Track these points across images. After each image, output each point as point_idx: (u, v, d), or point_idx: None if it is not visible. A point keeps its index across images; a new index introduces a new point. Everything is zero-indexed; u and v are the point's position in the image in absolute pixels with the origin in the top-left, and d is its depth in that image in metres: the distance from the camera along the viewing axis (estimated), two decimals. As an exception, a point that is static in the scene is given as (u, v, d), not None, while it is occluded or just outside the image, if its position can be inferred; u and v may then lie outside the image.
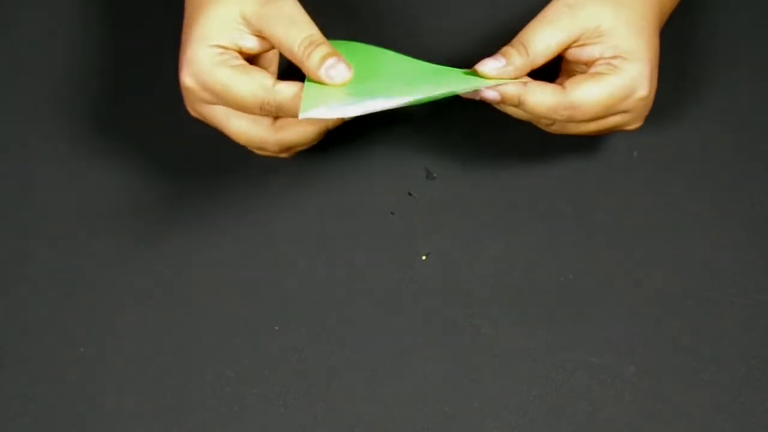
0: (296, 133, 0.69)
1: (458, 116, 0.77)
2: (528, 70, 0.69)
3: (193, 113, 0.70)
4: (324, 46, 0.66)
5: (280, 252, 0.74)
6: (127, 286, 0.73)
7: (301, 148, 0.71)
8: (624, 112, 0.69)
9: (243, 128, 0.69)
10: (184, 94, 0.69)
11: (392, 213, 0.75)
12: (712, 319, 0.72)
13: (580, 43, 0.69)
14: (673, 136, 0.77)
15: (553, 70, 0.73)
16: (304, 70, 0.67)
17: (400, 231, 0.75)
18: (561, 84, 0.69)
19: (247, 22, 0.67)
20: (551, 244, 0.74)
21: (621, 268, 0.74)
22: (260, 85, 0.66)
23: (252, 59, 0.69)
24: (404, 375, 0.71)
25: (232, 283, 0.73)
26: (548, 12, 0.69)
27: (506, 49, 0.69)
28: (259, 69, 0.67)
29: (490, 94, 0.69)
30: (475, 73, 0.69)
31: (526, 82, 0.69)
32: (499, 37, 0.71)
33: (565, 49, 0.69)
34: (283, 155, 0.72)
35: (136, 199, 0.75)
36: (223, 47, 0.67)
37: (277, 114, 0.67)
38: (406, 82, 0.69)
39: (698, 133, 0.78)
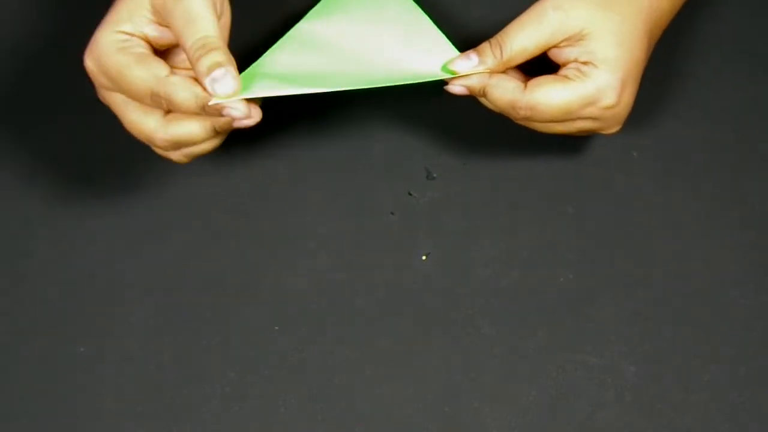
0: (183, 128, 0.66)
1: (458, 116, 0.77)
2: (501, 69, 0.69)
3: (100, 98, 0.69)
4: (216, 53, 0.64)
5: (280, 252, 0.74)
6: (127, 285, 0.73)
7: (195, 150, 0.68)
8: (590, 118, 0.69)
9: (134, 118, 0.67)
10: (93, 81, 0.67)
11: (392, 213, 0.75)
12: (712, 319, 0.72)
13: (562, 45, 0.69)
14: (673, 136, 0.77)
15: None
16: (194, 74, 0.65)
17: (400, 231, 0.75)
18: (526, 81, 0.69)
19: (155, 11, 0.66)
20: (551, 244, 0.74)
21: (621, 268, 0.74)
22: (153, 74, 0.65)
23: (165, 51, 0.68)
24: (404, 375, 0.71)
25: (232, 283, 0.73)
26: (532, 13, 0.69)
27: (482, 46, 0.69)
28: (158, 59, 0.65)
29: (456, 89, 0.70)
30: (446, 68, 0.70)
31: (490, 75, 0.69)
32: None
33: (545, 51, 0.69)
34: (175, 156, 0.69)
35: (136, 199, 0.75)
36: (129, 33, 0.66)
37: (168, 107, 0.65)
38: (340, 73, 0.70)
39: (698, 133, 0.78)
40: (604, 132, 0.71)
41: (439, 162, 0.77)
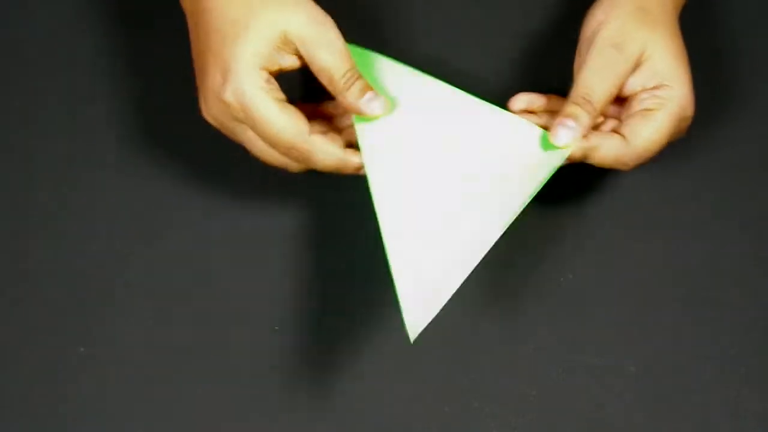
0: (322, 150, 0.69)
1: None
2: (594, 123, 0.69)
3: (210, 120, 0.69)
4: (362, 80, 0.68)
5: (281, 252, 0.74)
6: (127, 286, 0.73)
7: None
8: (677, 132, 0.70)
9: (265, 148, 0.69)
10: (217, 105, 0.68)
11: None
12: (713, 319, 0.72)
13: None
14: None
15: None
16: (340, 98, 0.68)
17: (400, 231, 0.75)
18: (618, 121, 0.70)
19: (288, 42, 0.67)
20: (551, 244, 0.74)
21: (621, 268, 0.74)
22: (298, 129, 0.67)
23: None
24: (404, 375, 0.71)
25: (232, 282, 0.73)
26: (596, 58, 0.69)
27: (571, 109, 0.69)
28: (299, 111, 0.68)
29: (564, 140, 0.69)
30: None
31: (587, 137, 0.69)
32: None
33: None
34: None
35: (136, 198, 0.75)
36: (269, 71, 0.67)
37: (300, 160, 0.68)
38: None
39: (698, 133, 0.77)
40: (681, 135, 0.72)
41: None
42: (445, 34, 0.80)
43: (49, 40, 0.80)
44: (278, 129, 0.67)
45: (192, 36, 0.70)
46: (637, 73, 0.69)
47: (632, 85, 0.69)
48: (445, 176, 0.70)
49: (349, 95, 0.68)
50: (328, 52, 0.68)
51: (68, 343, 0.72)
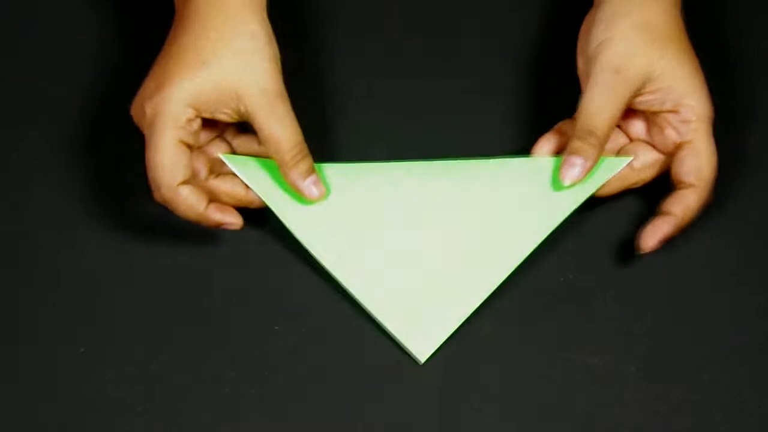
0: (185, 200, 0.70)
1: (459, 116, 0.77)
2: (602, 151, 0.70)
3: (131, 112, 0.71)
4: (309, 160, 0.70)
5: (281, 252, 0.74)
6: (126, 286, 0.73)
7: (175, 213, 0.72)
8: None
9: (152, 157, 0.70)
10: (138, 106, 0.69)
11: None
12: (712, 319, 0.72)
13: (636, 97, 0.70)
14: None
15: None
16: (285, 173, 0.70)
17: (400, 231, 0.75)
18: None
19: (239, 100, 0.68)
20: (551, 244, 0.74)
21: (621, 268, 0.74)
22: (171, 174, 0.68)
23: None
24: (404, 375, 0.71)
25: (232, 282, 0.73)
26: (597, 84, 0.69)
27: (576, 145, 0.69)
28: (189, 158, 0.69)
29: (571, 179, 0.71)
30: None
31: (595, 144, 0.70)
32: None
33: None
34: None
35: (137, 198, 0.75)
36: (199, 114, 0.69)
37: (164, 203, 0.70)
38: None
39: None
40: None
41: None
42: (444, 45, 0.80)
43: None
44: (155, 163, 0.68)
45: (171, 32, 0.71)
46: (648, 91, 0.69)
47: (645, 104, 0.70)
48: (421, 243, 0.71)
49: (292, 173, 0.70)
50: (279, 123, 0.69)
51: (68, 343, 0.72)
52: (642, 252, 0.70)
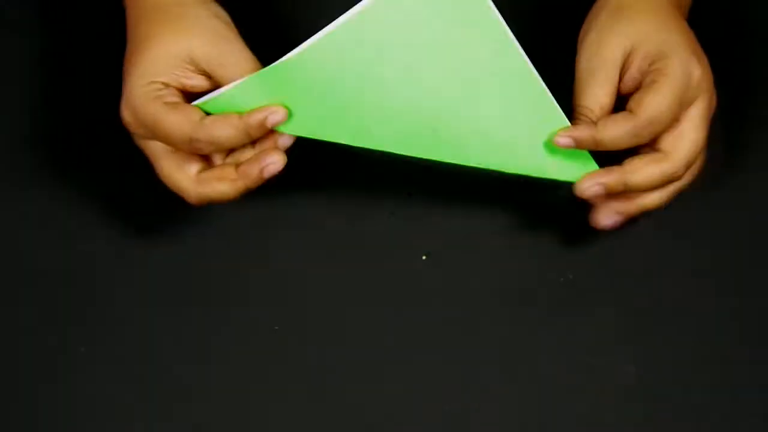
0: (215, 191, 0.67)
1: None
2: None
3: (138, 145, 0.70)
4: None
5: (281, 252, 0.74)
6: (127, 286, 0.73)
7: (221, 203, 0.70)
8: (695, 98, 0.68)
9: (168, 173, 0.68)
10: (124, 121, 0.68)
11: (392, 213, 0.75)
12: (713, 320, 0.72)
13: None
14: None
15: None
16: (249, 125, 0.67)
17: (400, 231, 0.75)
18: (628, 109, 0.68)
19: (195, 62, 0.67)
20: (551, 244, 0.74)
21: (621, 268, 0.74)
22: (189, 119, 0.66)
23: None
24: (404, 375, 0.71)
25: (231, 282, 0.73)
26: (582, 68, 0.69)
27: (577, 127, 0.68)
28: (192, 106, 0.67)
29: (563, 141, 0.67)
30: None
31: (595, 121, 0.68)
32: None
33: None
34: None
35: (137, 198, 0.75)
36: (164, 84, 0.67)
37: (209, 149, 0.67)
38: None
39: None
40: (713, 107, 0.70)
41: (440, 162, 0.77)
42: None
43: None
44: (171, 122, 0.66)
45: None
46: (632, 65, 0.69)
47: (631, 77, 0.69)
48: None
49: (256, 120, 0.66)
50: (235, 70, 0.67)
51: (68, 343, 0.72)
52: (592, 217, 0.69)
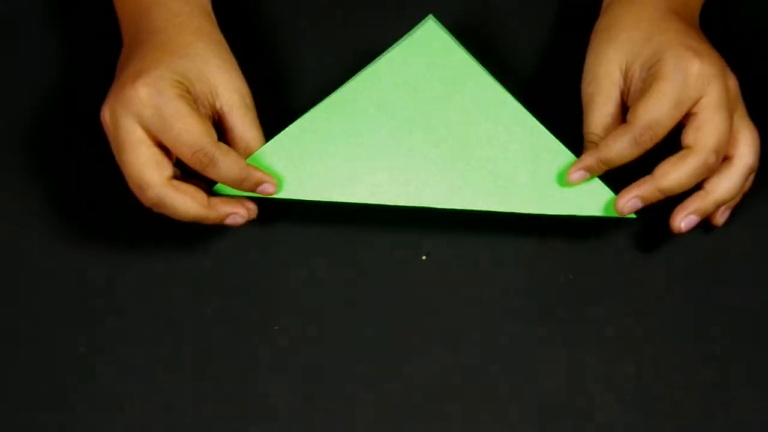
0: (178, 202, 0.68)
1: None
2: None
3: (105, 115, 0.68)
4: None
5: (280, 252, 0.74)
6: (126, 286, 0.73)
7: (169, 215, 0.70)
8: (700, 90, 0.68)
9: (140, 161, 0.67)
10: (124, 102, 0.67)
11: (392, 213, 0.75)
12: (713, 319, 0.72)
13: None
14: (670, 137, 0.77)
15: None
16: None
17: (400, 231, 0.75)
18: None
19: (216, 95, 0.70)
20: (551, 244, 0.74)
21: (621, 268, 0.74)
22: (210, 133, 0.67)
23: None
24: (404, 375, 0.71)
25: (232, 283, 0.73)
26: (585, 94, 0.70)
27: (585, 159, 0.69)
28: (166, 159, 0.68)
29: (576, 176, 0.69)
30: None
31: (595, 142, 0.69)
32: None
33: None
34: (148, 205, 0.69)
35: (136, 199, 0.75)
36: (188, 89, 0.68)
37: (204, 168, 0.67)
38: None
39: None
40: (739, 108, 0.70)
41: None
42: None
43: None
44: (192, 126, 0.66)
45: (126, 47, 0.72)
46: (634, 77, 0.69)
47: (636, 89, 0.69)
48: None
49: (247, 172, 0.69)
50: (254, 127, 0.70)
51: (68, 343, 0.72)
52: (623, 212, 0.69)
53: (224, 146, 0.68)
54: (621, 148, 0.68)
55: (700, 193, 0.70)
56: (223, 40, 0.71)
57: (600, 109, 0.70)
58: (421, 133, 0.70)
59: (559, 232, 0.74)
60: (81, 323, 0.72)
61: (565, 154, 0.70)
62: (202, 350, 0.72)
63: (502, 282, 0.73)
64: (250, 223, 0.74)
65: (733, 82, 0.69)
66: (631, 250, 0.74)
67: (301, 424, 0.70)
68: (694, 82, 0.67)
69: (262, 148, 0.70)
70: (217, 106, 0.69)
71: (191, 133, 0.66)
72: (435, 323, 0.72)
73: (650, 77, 0.68)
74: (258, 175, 0.69)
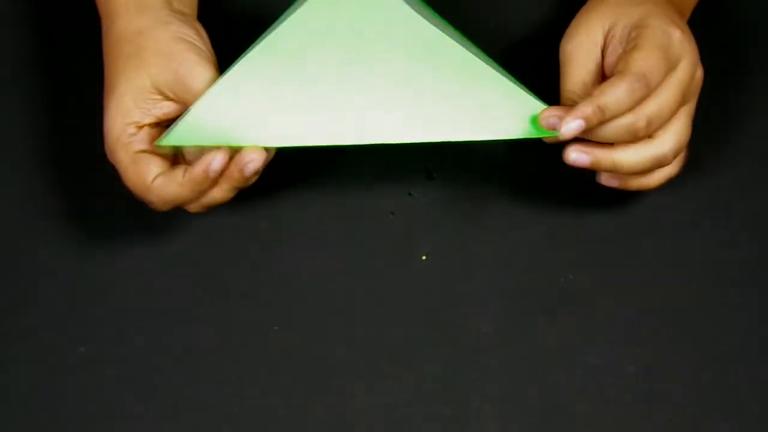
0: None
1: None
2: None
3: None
4: None
5: (280, 252, 0.74)
6: (126, 286, 0.73)
7: (208, 202, 0.70)
8: (680, 55, 0.67)
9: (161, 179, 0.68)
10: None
11: (392, 213, 0.75)
12: (713, 319, 0.72)
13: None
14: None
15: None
16: None
17: (400, 231, 0.75)
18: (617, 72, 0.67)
19: (160, 91, 0.68)
20: (551, 244, 0.74)
21: (621, 268, 0.74)
22: (141, 179, 0.67)
23: None
24: (404, 375, 0.71)
25: (232, 282, 0.73)
26: (564, 52, 0.69)
27: (580, 108, 0.66)
28: (153, 158, 0.68)
29: (573, 126, 0.65)
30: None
31: (573, 100, 0.68)
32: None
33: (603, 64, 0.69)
34: (192, 208, 0.70)
35: (136, 198, 0.75)
36: (137, 126, 0.68)
37: (162, 207, 0.69)
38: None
39: (698, 131, 0.77)
40: (699, 73, 0.69)
41: (439, 162, 0.77)
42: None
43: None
44: (129, 181, 0.68)
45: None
46: (614, 39, 0.68)
47: (614, 51, 0.68)
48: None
49: None
50: (198, 91, 0.67)
51: (68, 343, 0.72)
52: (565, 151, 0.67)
53: (156, 182, 0.67)
54: (618, 95, 0.65)
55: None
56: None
57: (579, 68, 0.69)
58: (360, 70, 0.68)
59: (559, 232, 0.74)
60: (81, 323, 0.72)
61: (495, 77, 0.68)
62: (202, 351, 0.72)
63: (503, 282, 0.73)
64: (250, 223, 0.74)
65: (700, 73, 0.69)
66: (631, 250, 0.74)
67: (301, 424, 0.70)
68: (677, 45, 0.67)
69: (200, 100, 0.67)
70: (166, 95, 0.68)
71: (131, 186, 0.68)
72: (435, 323, 0.72)
73: (634, 39, 0.67)
74: (197, 171, 0.67)
